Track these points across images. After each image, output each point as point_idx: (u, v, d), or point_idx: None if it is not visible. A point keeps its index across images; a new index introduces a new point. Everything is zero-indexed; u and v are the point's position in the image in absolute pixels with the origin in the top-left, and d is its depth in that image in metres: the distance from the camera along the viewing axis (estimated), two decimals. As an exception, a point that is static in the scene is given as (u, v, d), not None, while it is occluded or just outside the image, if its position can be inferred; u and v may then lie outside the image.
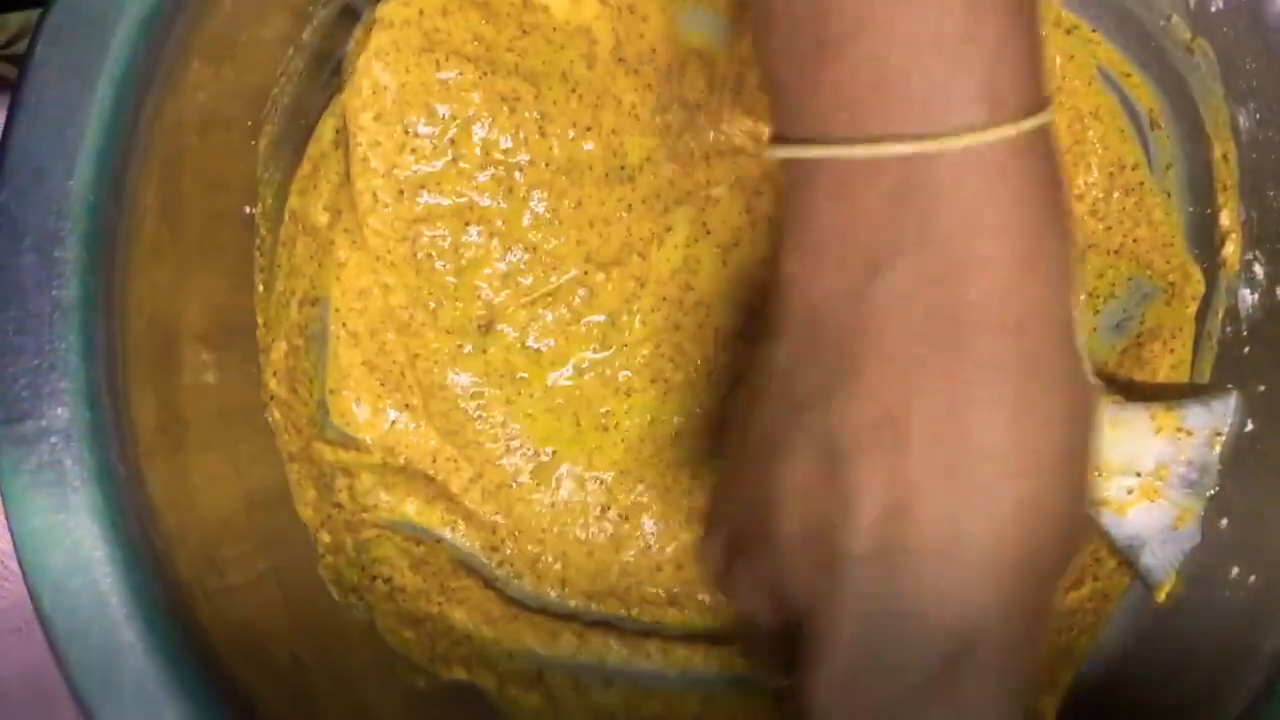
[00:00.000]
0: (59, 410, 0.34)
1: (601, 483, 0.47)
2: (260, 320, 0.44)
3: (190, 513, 0.38)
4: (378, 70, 0.44)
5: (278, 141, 0.44)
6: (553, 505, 0.47)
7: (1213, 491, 0.46)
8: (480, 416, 0.46)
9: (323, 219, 0.46)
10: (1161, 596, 0.46)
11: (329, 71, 0.45)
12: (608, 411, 0.47)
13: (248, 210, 0.43)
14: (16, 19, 0.57)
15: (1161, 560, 0.46)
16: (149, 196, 0.37)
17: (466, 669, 0.46)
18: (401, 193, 0.44)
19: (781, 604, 0.34)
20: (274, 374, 0.44)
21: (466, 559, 0.47)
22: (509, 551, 0.47)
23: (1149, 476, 0.47)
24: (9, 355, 0.34)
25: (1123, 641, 0.47)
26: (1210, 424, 0.46)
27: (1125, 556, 0.47)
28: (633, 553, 0.47)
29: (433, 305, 0.45)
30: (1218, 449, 0.46)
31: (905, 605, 0.30)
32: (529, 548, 0.47)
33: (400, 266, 0.45)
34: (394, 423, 0.47)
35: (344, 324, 0.46)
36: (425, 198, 0.44)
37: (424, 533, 0.47)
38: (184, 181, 0.39)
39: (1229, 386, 0.47)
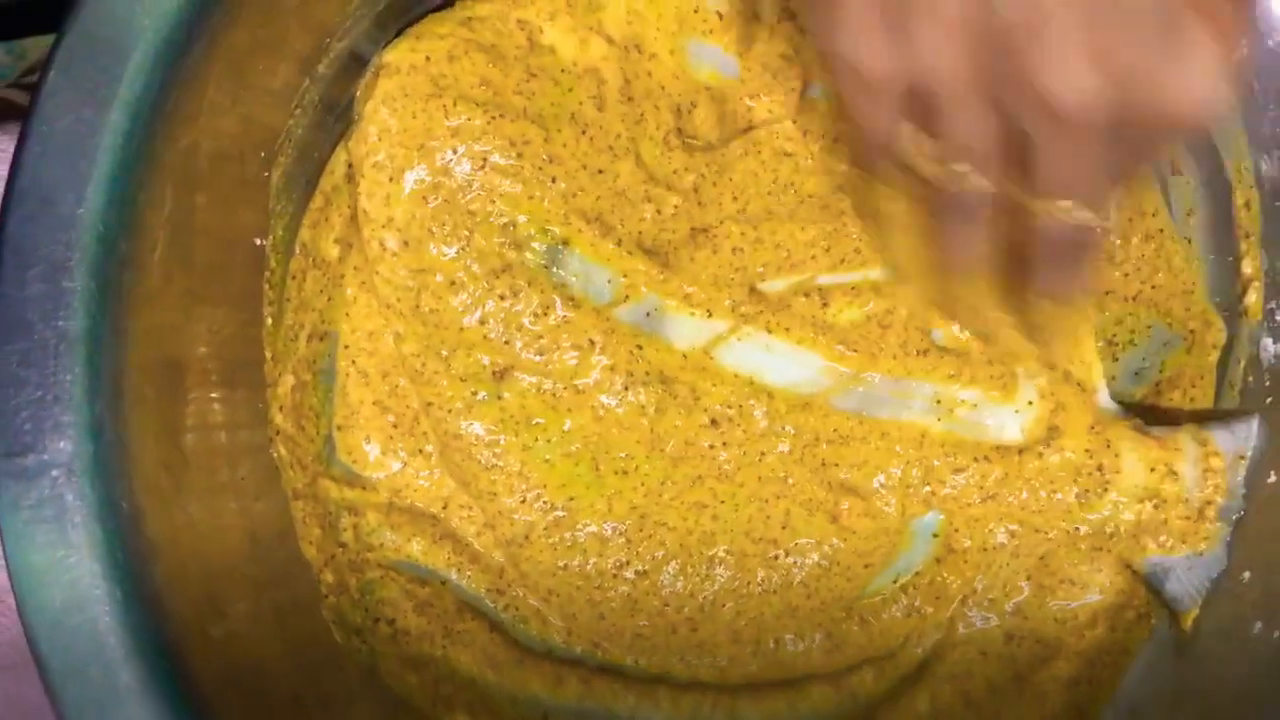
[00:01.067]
0: (61, 444, 0.33)
1: (621, 534, 0.46)
2: (268, 354, 0.43)
3: (192, 550, 0.37)
4: (385, 116, 0.43)
5: (291, 174, 0.43)
6: (565, 567, 0.46)
7: (1239, 515, 0.45)
8: (496, 465, 0.45)
9: (333, 252, 0.45)
10: (1188, 623, 0.45)
11: (342, 107, 0.45)
12: (627, 456, 0.46)
13: (258, 242, 0.43)
14: (35, 49, 0.57)
15: (1187, 586, 0.46)
16: (159, 226, 0.36)
17: (470, 715, 0.45)
18: (406, 243, 0.44)
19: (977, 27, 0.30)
20: (280, 409, 0.43)
21: (472, 601, 0.46)
22: (516, 594, 0.46)
23: (1173, 502, 0.46)
24: (12, 387, 0.33)
25: (1140, 699, 0.46)
26: (1233, 447, 0.46)
27: (1150, 583, 0.46)
28: (647, 617, 0.46)
29: (445, 353, 0.45)
30: (1241, 472, 0.45)
31: None
32: (532, 602, 0.46)
33: (410, 316, 0.44)
34: (405, 466, 0.46)
35: (353, 362, 0.45)
36: (435, 248, 0.44)
37: (429, 574, 0.46)
38: (195, 212, 0.38)
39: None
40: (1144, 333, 0.49)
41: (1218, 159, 0.46)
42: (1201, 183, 0.48)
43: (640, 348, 0.45)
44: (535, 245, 0.44)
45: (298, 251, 0.44)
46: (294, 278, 0.44)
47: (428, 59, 0.43)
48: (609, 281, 0.45)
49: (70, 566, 0.33)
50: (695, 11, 0.47)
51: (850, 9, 0.32)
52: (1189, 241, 0.48)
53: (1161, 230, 0.49)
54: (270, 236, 0.43)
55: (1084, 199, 0.34)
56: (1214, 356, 0.48)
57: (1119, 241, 0.49)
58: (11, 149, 0.43)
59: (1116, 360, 0.49)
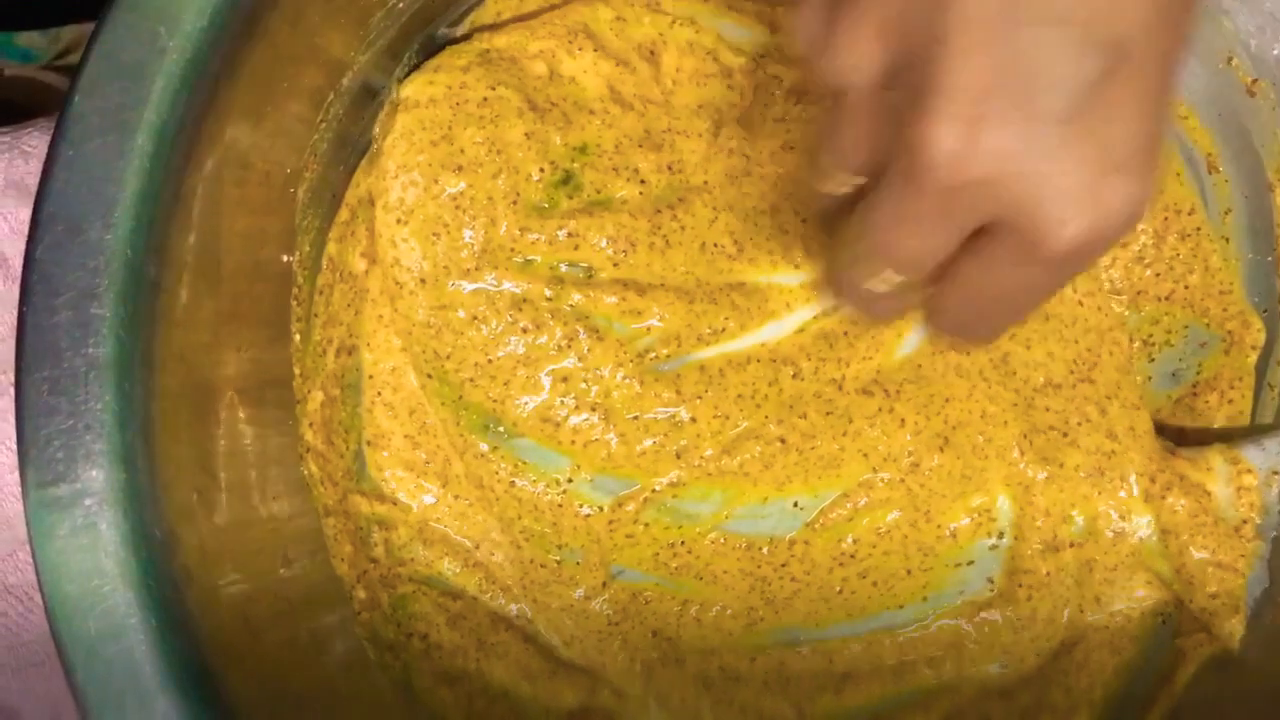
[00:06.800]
0: (94, 472, 0.33)
1: (666, 594, 0.45)
2: (296, 370, 0.43)
3: (226, 575, 0.37)
4: (403, 151, 0.43)
5: (316, 188, 0.43)
6: (599, 632, 0.45)
7: (1276, 532, 0.45)
8: (533, 514, 0.45)
9: (360, 266, 0.45)
10: (1235, 643, 0.45)
11: (365, 122, 0.44)
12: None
13: (285, 259, 0.42)
14: (68, 32, 0.58)
15: None
16: (187, 249, 0.36)
17: (504, 729, 0.45)
18: (424, 280, 0.43)
19: (895, 38, 0.30)
20: (310, 425, 0.43)
21: (503, 614, 0.46)
22: (545, 624, 0.46)
23: (1209, 521, 0.45)
24: (43, 416, 0.33)
25: (1183, 712, 0.45)
26: (1267, 464, 0.45)
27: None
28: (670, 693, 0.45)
29: (466, 393, 0.44)
30: (1276, 488, 0.45)
31: (1047, 11, 0.27)
32: (564, 653, 0.45)
33: (431, 356, 0.44)
34: (438, 501, 0.45)
35: (379, 393, 0.45)
36: (454, 284, 0.43)
37: (460, 590, 0.45)
38: (222, 233, 0.38)
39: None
40: (1180, 333, 0.48)
41: (1256, 157, 0.46)
42: (1239, 181, 0.47)
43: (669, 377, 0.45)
44: (556, 277, 0.44)
45: (324, 266, 0.44)
46: (321, 293, 0.44)
47: (447, 90, 0.43)
48: (635, 314, 0.45)
49: (105, 595, 0.33)
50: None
51: (839, 27, 0.31)
52: (1226, 240, 0.48)
53: (1198, 229, 0.48)
54: (297, 253, 0.42)
55: (903, 270, 0.33)
56: (1253, 358, 0.47)
57: (1151, 242, 0.48)
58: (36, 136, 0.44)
59: (1153, 361, 0.49)
